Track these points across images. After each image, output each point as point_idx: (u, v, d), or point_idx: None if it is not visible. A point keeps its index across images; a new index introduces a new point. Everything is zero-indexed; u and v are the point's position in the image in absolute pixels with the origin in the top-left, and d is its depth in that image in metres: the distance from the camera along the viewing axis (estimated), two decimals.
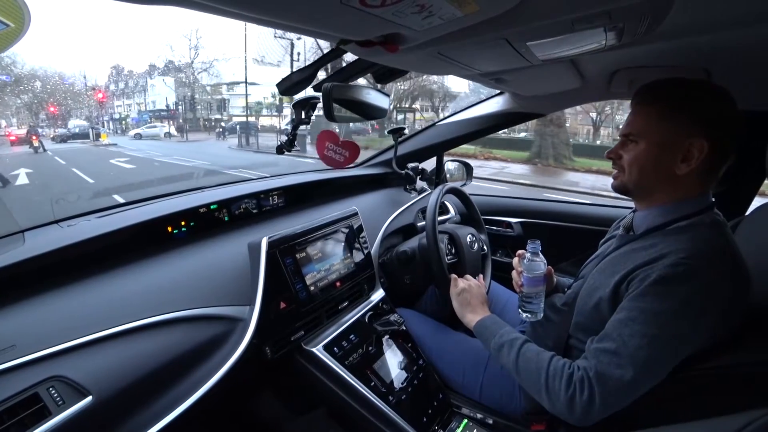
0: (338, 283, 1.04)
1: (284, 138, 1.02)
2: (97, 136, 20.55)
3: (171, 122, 24.58)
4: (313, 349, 0.92)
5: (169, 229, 0.94)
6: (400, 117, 19.40)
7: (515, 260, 0.93)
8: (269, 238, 0.90)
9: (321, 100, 0.81)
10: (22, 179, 8.62)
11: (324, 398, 0.93)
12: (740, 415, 0.49)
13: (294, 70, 0.79)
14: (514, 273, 0.94)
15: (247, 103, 20.30)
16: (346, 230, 1.11)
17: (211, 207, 1.03)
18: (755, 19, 0.63)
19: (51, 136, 21.74)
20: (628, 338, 0.64)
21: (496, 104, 1.48)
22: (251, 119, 20.46)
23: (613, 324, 0.67)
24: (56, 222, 0.88)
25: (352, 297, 1.10)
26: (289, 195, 1.25)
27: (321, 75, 0.84)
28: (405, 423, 0.91)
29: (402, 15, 0.48)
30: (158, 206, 0.98)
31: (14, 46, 0.38)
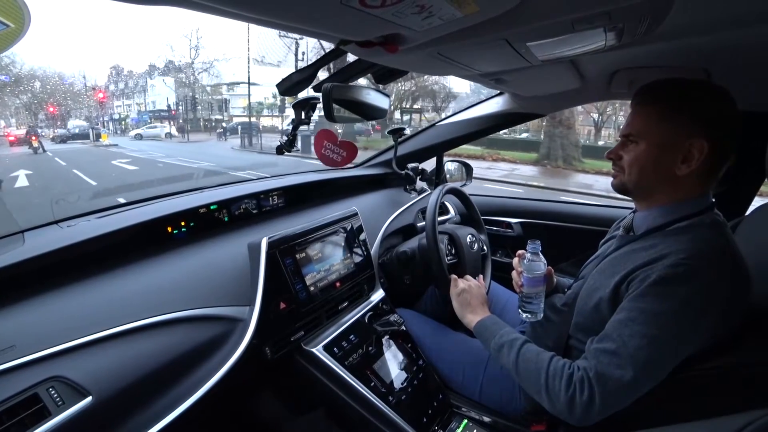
0: (338, 284, 1.04)
1: (285, 138, 1.02)
2: (98, 136, 20.49)
3: (171, 122, 24.55)
4: (313, 350, 0.92)
5: (169, 229, 0.94)
6: (406, 117, 19.38)
7: (515, 260, 0.93)
8: (269, 238, 0.90)
9: (321, 100, 0.81)
10: (22, 181, 8.40)
11: (324, 398, 0.93)
12: (740, 415, 0.49)
13: (298, 69, 0.79)
14: (514, 273, 0.94)
15: (249, 103, 20.32)
16: (346, 231, 1.11)
17: (211, 207, 1.03)
18: (755, 19, 0.63)
19: (50, 136, 21.70)
20: (628, 338, 0.64)
21: (495, 104, 1.48)
22: (252, 120, 20.48)
23: (613, 324, 0.67)
24: (56, 222, 0.88)
25: (352, 297, 1.10)
26: (289, 195, 1.25)
27: (321, 75, 0.84)
28: (405, 423, 0.91)
29: (402, 15, 0.48)
30: (158, 206, 0.98)
31: (14, 47, 0.38)
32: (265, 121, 23.74)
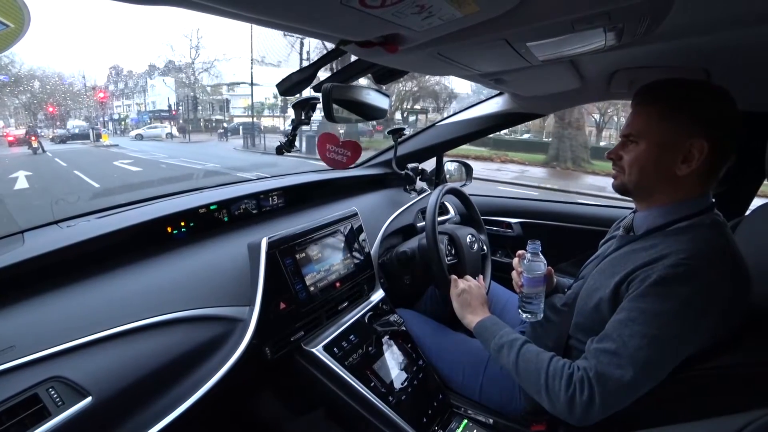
0: (338, 284, 1.04)
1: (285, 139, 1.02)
2: (98, 136, 20.36)
3: (172, 123, 24.51)
4: (313, 350, 0.92)
5: (169, 229, 0.94)
6: (412, 119, 19.34)
7: (515, 261, 0.93)
8: (269, 238, 0.90)
9: (321, 100, 0.81)
10: (21, 183, 8.00)
11: (324, 399, 0.93)
12: (740, 415, 0.49)
13: (298, 69, 0.79)
14: (514, 273, 0.94)
15: (252, 103, 20.29)
16: (346, 231, 1.11)
17: (211, 207, 1.03)
18: (755, 19, 0.63)
19: (50, 136, 21.60)
20: (628, 339, 0.64)
21: (495, 105, 1.48)
22: (253, 120, 20.47)
23: (613, 324, 0.67)
24: (56, 222, 0.88)
25: (352, 297, 1.10)
26: (288, 195, 1.25)
27: (322, 75, 0.84)
28: (405, 423, 0.91)
29: (402, 15, 0.48)
30: (158, 207, 0.98)
31: (13, 47, 0.38)
32: (266, 122, 23.73)
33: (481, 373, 0.97)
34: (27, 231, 0.84)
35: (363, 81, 0.94)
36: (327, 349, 0.94)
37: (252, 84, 18.56)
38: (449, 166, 1.70)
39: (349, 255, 1.10)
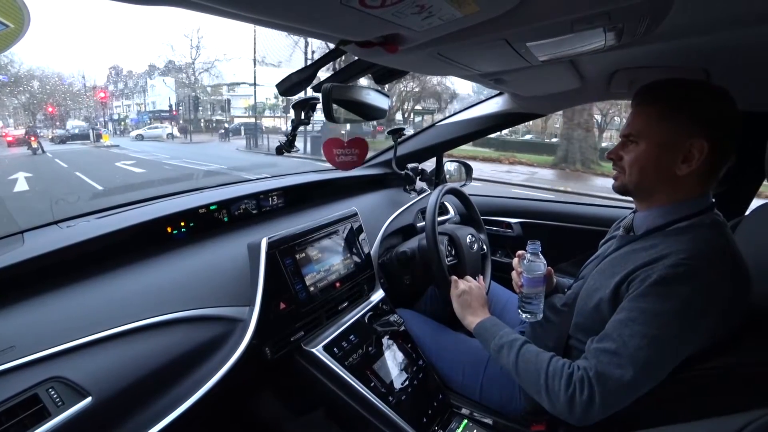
0: (338, 284, 1.04)
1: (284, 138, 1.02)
2: (98, 137, 20.20)
3: (172, 123, 24.47)
4: (313, 350, 0.92)
5: (169, 229, 0.94)
6: (418, 119, 19.31)
7: (515, 261, 0.93)
8: (269, 238, 0.90)
9: (321, 100, 0.81)
10: (21, 185, 7.57)
11: (324, 399, 0.93)
12: (740, 415, 0.49)
13: (298, 69, 0.79)
14: (513, 273, 0.94)
15: (255, 103, 20.27)
16: (346, 231, 1.11)
17: (211, 207, 1.03)
18: (755, 19, 0.63)
19: (49, 137, 21.47)
20: (629, 338, 0.64)
21: (495, 105, 1.48)
22: (254, 120, 20.45)
23: (614, 324, 0.67)
24: (55, 223, 0.88)
25: (352, 297, 1.10)
26: (288, 195, 1.25)
27: (322, 75, 0.84)
28: (405, 423, 0.91)
29: (402, 15, 0.48)
30: (158, 207, 0.98)
31: (13, 47, 0.38)
32: (267, 122, 23.69)
33: (481, 373, 0.97)
34: (27, 231, 0.84)
35: (363, 81, 0.94)
36: (327, 349, 0.94)
37: (255, 84, 18.57)
38: (449, 167, 1.70)
39: (349, 255, 1.10)
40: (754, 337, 0.67)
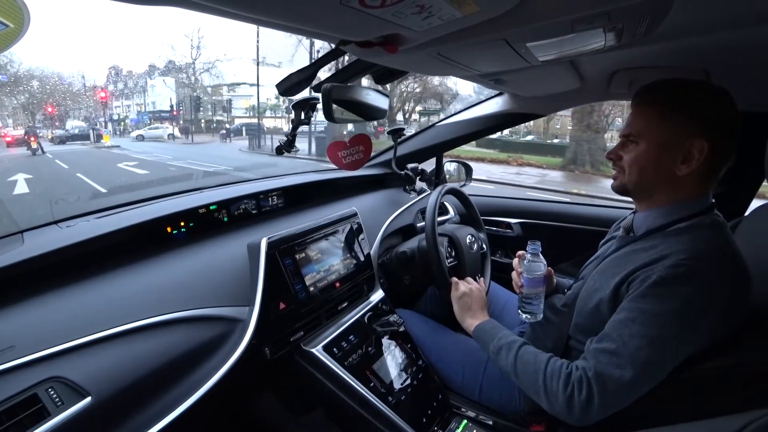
0: (338, 284, 1.04)
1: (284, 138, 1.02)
2: (99, 137, 20.04)
3: (173, 123, 24.43)
4: (313, 350, 0.92)
5: (169, 229, 0.94)
6: (423, 119, 19.30)
7: (515, 261, 0.93)
8: (269, 238, 0.90)
9: (321, 100, 0.81)
10: (21, 187, 7.33)
11: (323, 399, 0.93)
12: (740, 415, 0.49)
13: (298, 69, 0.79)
14: (513, 274, 0.94)
15: (258, 104, 20.27)
16: (346, 231, 1.11)
17: (211, 207, 1.03)
18: (755, 19, 0.63)
19: (49, 137, 21.37)
20: (628, 339, 0.64)
21: (495, 105, 1.48)
22: (255, 120, 20.43)
23: (613, 324, 0.67)
24: (55, 222, 0.88)
25: (352, 298, 1.10)
26: (288, 195, 1.25)
27: (322, 75, 0.84)
28: (404, 423, 0.91)
29: (401, 16, 0.48)
30: (157, 207, 0.98)
31: (13, 46, 0.38)
32: (268, 123, 23.67)
33: (480, 374, 0.97)
34: (26, 231, 0.84)
35: (363, 81, 0.94)
36: (327, 349, 0.94)
37: (258, 85, 18.55)
38: (449, 167, 1.70)
39: (348, 255, 1.10)
40: (754, 337, 0.67)
